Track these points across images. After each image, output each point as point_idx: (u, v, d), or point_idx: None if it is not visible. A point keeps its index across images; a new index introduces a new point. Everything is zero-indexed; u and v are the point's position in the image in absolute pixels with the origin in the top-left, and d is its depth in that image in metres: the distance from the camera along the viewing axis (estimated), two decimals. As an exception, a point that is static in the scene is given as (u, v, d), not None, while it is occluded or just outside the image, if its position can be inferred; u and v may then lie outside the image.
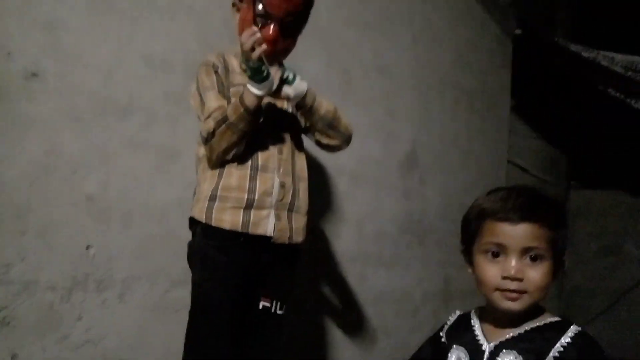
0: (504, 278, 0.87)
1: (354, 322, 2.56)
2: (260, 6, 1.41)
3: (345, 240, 2.52)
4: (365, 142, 2.63)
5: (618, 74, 3.59)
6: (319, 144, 1.63)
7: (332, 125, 1.54)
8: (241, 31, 1.42)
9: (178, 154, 1.75)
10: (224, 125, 1.36)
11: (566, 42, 3.80)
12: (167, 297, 1.72)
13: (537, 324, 0.89)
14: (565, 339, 0.85)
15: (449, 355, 0.96)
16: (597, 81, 3.72)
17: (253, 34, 1.31)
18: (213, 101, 1.42)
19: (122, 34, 1.63)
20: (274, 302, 1.49)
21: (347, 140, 1.63)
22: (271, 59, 1.42)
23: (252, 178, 1.44)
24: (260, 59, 1.32)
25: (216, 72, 1.47)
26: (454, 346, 0.96)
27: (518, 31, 3.92)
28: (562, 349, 0.84)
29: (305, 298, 2.27)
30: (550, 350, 0.84)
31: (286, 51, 1.53)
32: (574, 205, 5.03)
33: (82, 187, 1.53)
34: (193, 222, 1.46)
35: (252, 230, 1.42)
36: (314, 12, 2.25)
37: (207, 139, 1.39)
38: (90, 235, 1.54)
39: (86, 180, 1.54)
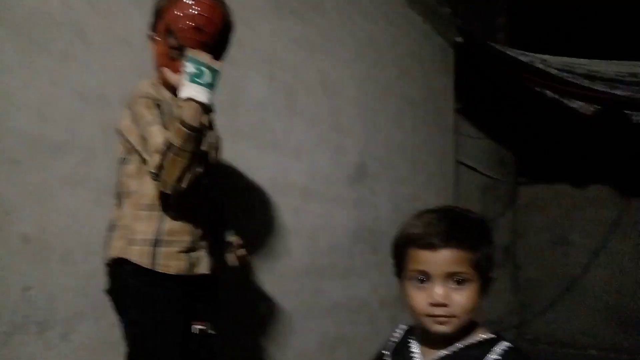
0: (431, 305, 0.88)
1: (312, 334, 2.60)
2: (173, 40, 1.40)
3: (299, 254, 2.56)
4: (314, 157, 2.68)
5: (553, 75, 3.77)
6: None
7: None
8: (159, 65, 1.44)
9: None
10: (170, 154, 1.29)
11: (504, 47, 3.97)
12: (115, 332, 1.71)
13: (470, 341, 0.90)
14: (493, 355, 0.86)
15: None
16: (534, 83, 3.89)
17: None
18: (159, 136, 1.33)
19: (53, 71, 1.62)
20: (207, 323, 1.55)
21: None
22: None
23: (194, 219, 1.45)
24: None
25: (158, 104, 1.41)
26: None
27: (459, 39, 4.05)
28: None
29: (260, 313, 2.31)
30: None
31: None
32: (523, 201, 5.25)
33: (17, 228, 1.51)
34: (121, 264, 1.40)
35: (195, 271, 1.46)
36: (255, 35, 2.28)
37: (158, 174, 1.32)
38: (29, 276, 1.52)
39: (21, 221, 1.52)
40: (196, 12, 1.38)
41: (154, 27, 1.49)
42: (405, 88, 3.54)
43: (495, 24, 4.84)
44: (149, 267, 1.37)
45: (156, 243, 1.38)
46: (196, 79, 1.30)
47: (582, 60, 3.94)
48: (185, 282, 1.47)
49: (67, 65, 1.65)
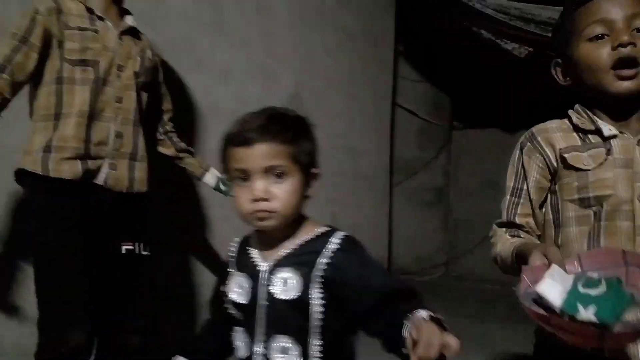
0: (253, 201, 0.86)
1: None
2: None
3: (227, 183, 2.50)
4: (244, 82, 2.58)
5: (489, 16, 3.78)
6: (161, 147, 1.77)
7: None
8: None
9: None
10: None
11: (444, -15, 3.92)
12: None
13: (306, 237, 0.90)
14: (332, 246, 0.87)
15: (229, 283, 0.95)
16: (472, 23, 3.90)
17: None
18: (5, 49, 1.37)
19: None
20: (136, 244, 1.55)
21: None
22: None
23: (88, 127, 1.43)
24: None
25: (33, 18, 1.40)
26: (234, 273, 0.96)
27: (400, -27, 3.97)
28: (331, 254, 0.86)
29: (181, 242, 2.25)
30: (318, 260, 0.86)
31: None
32: (457, 145, 5.38)
33: None
34: (22, 175, 1.42)
35: (93, 180, 1.45)
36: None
37: None
38: None
39: None
40: None
41: None
42: (345, 20, 3.44)
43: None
44: (40, 172, 1.38)
45: (47, 149, 1.39)
46: None
47: (517, 3, 3.97)
48: (93, 196, 1.44)
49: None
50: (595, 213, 0.92)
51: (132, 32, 1.58)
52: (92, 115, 1.44)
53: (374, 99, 3.94)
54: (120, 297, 1.53)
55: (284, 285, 0.87)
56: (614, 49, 0.92)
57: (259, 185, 0.86)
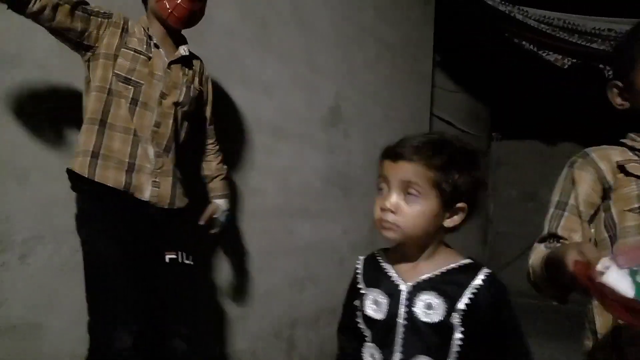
0: (381, 210, 0.91)
1: (282, 272, 2.62)
2: None
3: (271, 194, 2.54)
4: (287, 96, 2.62)
5: (531, 27, 3.74)
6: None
7: None
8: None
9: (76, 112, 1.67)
10: None
11: (484, -5, 3.90)
12: (77, 257, 1.67)
13: (452, 265, 0.92)
14: (477, 281, 0.89)
15: (364, 299, 0.96)
16: (512, 34, 3.86)
17: None
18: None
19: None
20: (179, 253, 1.62)
21: None
22: (189, 21, 1.62)
23: (133, 144, 1.52)
24: None
25: (106, 15, 1.52)
26: (369, 289, 0.97)
27: (439, -15, 3.97)
28: (475, 290, 0.88)
29: (230, 251, 2.30)
30: (465, 291, 0.88)
31: (199, 18, 1.67)
32: (495, 156, 5.31)
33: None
34: (73, 177, 1.50)
35: (132, 191, 1.52)
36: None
37: None
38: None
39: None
40: None
41: None
42: (384, 33, 3.46)
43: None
44: (86, 176, 1.46)
45: (94, 155, 1.47)
46: None
47: (560, 14, 3.91)
48: (139, 208, 1.52)
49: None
50: None
51: (184, 61, 1.68)
52: (135, 134, 1.53)
53: (412, 109, 3.93)
54: (165, 304, 1.60)
55: (427, 308, 0.90)
56: None
57: (392, 197, 0.90)
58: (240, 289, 2.37)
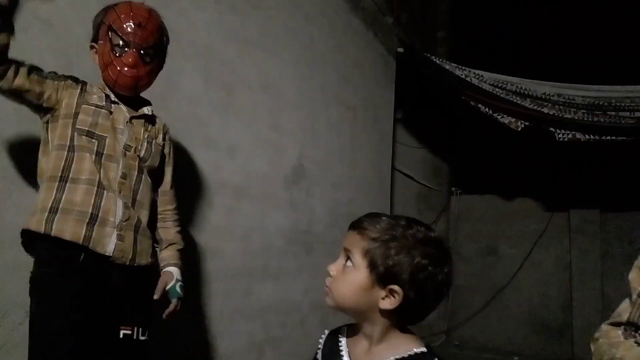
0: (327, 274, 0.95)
1: (241, 335, 2.56)
2: (116, 37, 1.51)
3: (231, 255, 2.52)
4: (250, 157, 2.65)
5: (486, 91, 3.94)
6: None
7: None
8: (103, 65, 1.54)
9: (30, 178, 1.64)
10: None
11: (442, 60, 4.11)
12: (21, 330, 1.60)
13: (402, 354, 0.90)
14: None
15: None
16: (469, 97, 4.05)
17: None
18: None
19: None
20: (135, 328, 1.51)
21: None
22: (134, 88, 1.57)
23: (97, 195, 1.46)
24: None
25: (65, 79, 1.53)
26: None
27: (400, 49, 4.16)
28: None
29: (187, 317, 2.24)
30: None
31: (149, 82, 1.63)
32: (455, 210, 5.44)
33: None
34: (27, 237, 1.44)
35: (92, 245, 1.42)
36: (191, 26, 2.24)
37: None
38: None
39: None
40: (136, 11, 1.53)
41: (95, 37, 1.57)
42: (346, 94, 3.58)
43: (437, 37, 5.01)
44: (42, 231, 1.39)
45: (52, 210, 1.42)
46: None
47: (513, 79, 4.15)
48: (97, 271, 1.44)
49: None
50: None
51: (147, 119, 1.67)
52: (100, 186, 1.48)
53: (375, 166, 4.03)
54: None
55: None
56: None
57: (337, 262, 0.93)
58: (197, 356, 2.30)
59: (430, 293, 0.89)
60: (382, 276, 0.88)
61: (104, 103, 1.56)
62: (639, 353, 0.89)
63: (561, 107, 3.96)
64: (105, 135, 1.52)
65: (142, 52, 1.53)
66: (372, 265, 0.88)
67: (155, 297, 1.62)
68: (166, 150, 1.75)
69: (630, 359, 0.90)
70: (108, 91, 1.59)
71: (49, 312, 1.36)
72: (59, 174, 1.45)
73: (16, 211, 1.61)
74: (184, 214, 2.25)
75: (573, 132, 3.91)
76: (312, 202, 3.19)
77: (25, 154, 1.64)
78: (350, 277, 0.89)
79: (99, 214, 1.45)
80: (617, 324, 0.97)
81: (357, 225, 0.92)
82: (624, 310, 0.98)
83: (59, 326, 1.35)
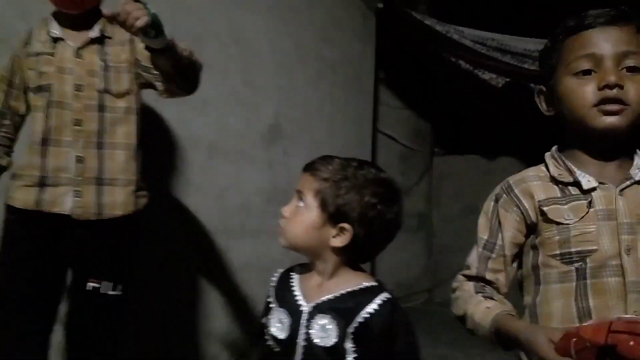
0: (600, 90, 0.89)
1: (220, 291, 2.56)
2: None
3: (206, 213, 2.50)
4: (224, 113, 2.60)
5: (467, 47, 3.88)
6: (168, 92, 1.49)
7: (190, 65, 1.43)
8: None
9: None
10: None
11: (423, 16, 4.02)
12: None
13: (351, 287, 0.92)
14: (373, 305, 0.88)
15: (271, 317, 0.96)
16: (450, 53, 3.99)
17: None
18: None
19: None
20: (105, 282, 1.44)
21: (198, 81, 1.52)
22: (77, 2, 1.38)
23: (45, 154, 1.38)
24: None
25: (12, 60, 1.48)
26: (276, 307, 0.97)
27: (380, 5, 4.06)
28: (368, 315, 0.87)
29: (167, 272, 2.23)
30: (357, 315, 0.87)
31: None
32: (438, 170, 5.45)
33: None
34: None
35: (47, 208, 1.38)
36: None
37: None
38: None
39: None
40: None
41: None
42: (324, 51, 3.50)
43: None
44: (5, 201, 1.40)
45: (12, 177, 1.41)
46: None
47: (495, 35, 4.08)
48: (58, 226, 1.40)
49: None
50: (577, 269, 0.87)
51: (100, 42, 1.47)
52: (48, 142, 1.39)
53: (355, 126, 3.98)
54: (83, 340, 1.44)
55: (322, 331, 0.89)
56: (600, 89, 0.87)
57: (290, 204, 0.95)
58: (175, 317, 2.30)
59: (379, 231, 0.92)
60: (332, 215, 0.90)
61: (46, 47, 1.42)
62: (484, 309, 0.92)
63: (542, 62, 3.92)
64: (51, 82, 1.40)
65: None
66: (323, 205, 0.90)
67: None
68: (137, 48, 1.47)
69: (478, 316, 0.92)
70: (52, 26, 1.43)
71: (5, 257, 1.40)
72: (15, 142, 1.47)
73: None
74: (156, 171, 2.21)
75: (553, 88, 3.88)
76: (291, 162, 3.15)
77: None
78: (302, 217, 0.91)
79: (48, 175, 1.38)
80: (468, 277, 1.00)
81: (309, 167, 0.95)
82: (472, 261, 1.01)
83: (13, 272, 1.38)
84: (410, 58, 4.70)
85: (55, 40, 1.44)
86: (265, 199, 2.93)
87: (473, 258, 1.02)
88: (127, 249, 1.52)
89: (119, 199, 1.45)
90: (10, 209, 1.40)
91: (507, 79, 3.95)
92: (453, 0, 4.71)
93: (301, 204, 0.92)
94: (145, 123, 1.83)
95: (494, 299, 0.95)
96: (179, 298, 2.33)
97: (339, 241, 0.91)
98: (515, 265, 1.00)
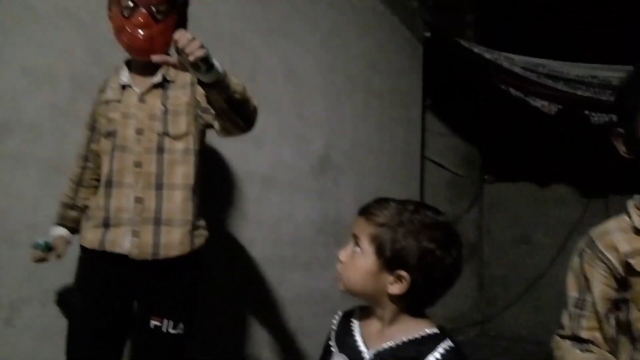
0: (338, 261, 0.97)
1: (273, 325, 2.58)
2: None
3: (261, 244, 2.53)
4: (277, 146, 2.65)
5: (517, 74, 3.83)
6: (225, 130, 1.48)
7: (243, 101, 1.40)
8: (116, 31, 1.47)
9: (67, 167, 1.68)
10: None
11: (471, 44, 4.01)
12: (62, 320, 1.65)
13: (413, 335, 0.90)
14: (435, 354, 0.86)
15: None
16: (499, 81, 3.95)
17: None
18: (83, 139, 1.61)
19: (-2, 47, 1.55)
20: (166, 320, 1.45)
21: (254, 119, 1.50)
22: (149, 50, 1.40)
23: (109, 196, 1.46)
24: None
25: (94, 106, 1.58)
26: (336, 352, 0.96)
27: (427, 34, 4.08)
28: None
29: (222, 304, 2.27)
30: None
31: (166, 40, 1.45)
32: (488, 198, 5.32)
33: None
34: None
35: (109, 248, 1.44)
36: (214, 16, 2.25)
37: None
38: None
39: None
40: None
41: (109, 4, 1.52)
42: (372, 81, 3.54)
43: (465, 20, 4.89)
44: (80, 242, 1.50)
45: (86, 217, 1.52)
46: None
47: (545, 61, 4.01)
48: (120, 265, 1.44)
49: (14, 40, 1.59)
50: None
51: (164, 86, 1.51)
52: (112, 184, 1.46)
53: (404, 155, 3.97)
54: None
55: None
56: None
57: (346, 249, 0.94)
58: (230, 345, 2.33)
59: (438, 278, 0.89)
60: (389, 261, 0.88)
61: (116, 95, 1.50)
62: (586, 357, 0.89)
63: (596, 89, 3.81)
64: (116, 127, 1.47)
65: (152, 9, 1.42)
66: (379, 251, 0.89)
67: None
68: (197, 91, 1.47)
69: None
70: (122, 73, 1.51)
71: (77, 294, 1.49)
72: (89, 184, 1.59)
73: (52, 199, 1.65)
74: (215, 205, 2.28)
75: (610, 115, 3.75)
76: (340, 192, 3.18)
77: (59, 142, 1.69)
78: (358, 263, 0.90)
79: (110, 216, 1.45)
80: (564, 337, 0.97)
81: (364, 211, 0.92)
82: (565, 321, 0.98)
83: (82, 308, 1.45)
84: (458, 85, 4.67)
85: (124, 87, 1.52)
86: (316, 229, 2.95)
87: (565, 317, 0.98)
88: (187, 288, 1.53)
89: (176, 240, 1.45)
90: (82, 249, 1.49)
91: (560, 106, 3.85)
92: (501, 27, 4.68)
93: (357, 249, 0.91)
94: (209, 158, 1.91)
95: (593, 352, 0.92)
96: (236, 329, 2.36)
97: (397, 288, 0.89)
98: (613, 321, 0.94)
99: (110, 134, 1.47)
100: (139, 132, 1.46)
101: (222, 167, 2.30)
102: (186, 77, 1.50)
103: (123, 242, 1.42)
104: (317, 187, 2.97)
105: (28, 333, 1.59)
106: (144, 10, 1.42)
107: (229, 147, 2.32)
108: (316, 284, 2.92)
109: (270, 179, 2.60)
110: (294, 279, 2.74)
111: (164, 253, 1.44)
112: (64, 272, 1.63)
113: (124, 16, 1.43)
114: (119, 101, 1.49)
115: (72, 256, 1.54)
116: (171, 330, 1.45)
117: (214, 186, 2.21)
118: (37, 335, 1.61)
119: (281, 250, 2.67)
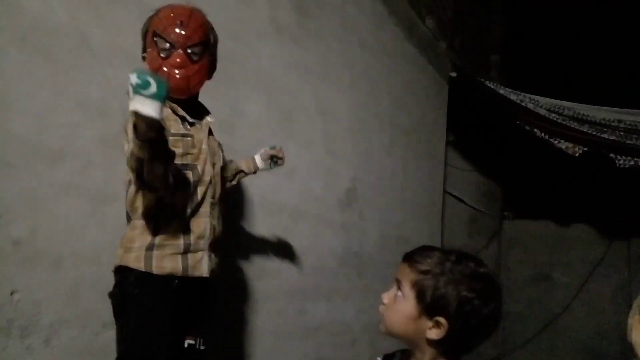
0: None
1: (294, 354, 2.60)
2: (161, 41, 1.50)
3: (286, 275, 2.58)
4: (307, 180, 2.73)
5: (542, 116, 3.87)
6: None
7: None
8: (153, 72, 1.48)
9: (113, 198, 1.76)
10: (132, 161, 1.37)
11: (496, 85, 4.08)
12: (99, 340, 1.71)
13: None
14: None
15: None
16: (524, 121, 3.99)
17: None
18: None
19: (57, 81, 1.65)
20: (198, 338, 1.56)
21: None
22: (187, 89, 1.52)
23: (188, 225, 1.52)
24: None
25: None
26: None
27: (453, 74, 4.16)
28: None
29: (244, 333, 2.31)
30: None
31: (200, 80, 1.58)
32: (507, 235, 5.31)
33: (8, 232, 1.52)
34: (123, 271, 1.49)
35: (191, 273, 1.50)
36: (256, 57, 2.35)
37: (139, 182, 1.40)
38: (16, 280, 1.52)
39: (13, 225, 1.53)
40: (177, 12, 1.52)
41: (144, 47, 1.59)
42: (399, 118, 3.62)
43: (490, 61, 4.97)
44: (142, 269, 1.45)
45: (149, 247, 1.47)
46: (140, 90, 1.18)
47: (570, 104, 4.06)
48: (183, 289, 1.49)
49: (71, 75, 1.69)
50: None
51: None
52: (192, 214, 1.52)
53: (427, 189, 4.02)
54: None
55: None
56: None
57: (390, 291, 0.98)
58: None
59: (475, 326, 0.92)
60: (428, 307, 0.92)
61: (183, 129, 1.55)
62: None
63: (622, 133, 3.83)
64: (196, 163, 1.55)
65: (188, 50, 1.50)
66: (420, 297, 0.93)
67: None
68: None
69: None
70: (182, 112, 1.57)
71: (149, 331, 1.43)
72: (154, 212, 1.48)
73: (98, 228, 1.73)
74: (246, 234, 2.35)
75: (635, 159, 3.76)
76: (364, 225, 3.22)
77: (107, 173, 1.77)
78: (399, 307, 0.95)
79: (191, 242, 1.51)
80: None
81: (408, 258, 0.97)
82: None
83: (158, 346, 1.44)
84: (481, 122, 4.72)
85: (189, 124, 1.59)
86: (339, 261, 2.99)
87: None
88: (214, 306, 1.66)
89: (218, 261, 1.63)
90: (151, 278, 1.46)
91: (585, 148, 3.88)
92: (526, 68, 4.75)
93: (399, 293, 0.96)
94: (243, 189, 1.98)
95: None
96: (254, 356, 2.39)
97: (435, 334, 0.92)
98: None
99: (187, 168, 1.54)
100: (213, 166, 1.61)
101: (255, 198, 2.37)
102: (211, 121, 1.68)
103: (202, 266, 1.53)
104: (342, 220, 3.02)
105: (65, 354, 1.64)
106: (180, 52, 1.49)
107: (263, 179, 2.39)
108: (337, 315, 2.95)
109: (299, 210, 2.66)
110: (316, 309, 2.78)
111: (214, 274, 1.59)
112: (103, 293, 1.69)
113: (161, 57, 1.50)
114: (192, 137, 1.57)
115: (110, 279, 1.60)
116: (201, 347, 1.55)
117: (247, 216, 2.27)
118: (74, 357, 1.66)
119: (305, 280, 2.72)
